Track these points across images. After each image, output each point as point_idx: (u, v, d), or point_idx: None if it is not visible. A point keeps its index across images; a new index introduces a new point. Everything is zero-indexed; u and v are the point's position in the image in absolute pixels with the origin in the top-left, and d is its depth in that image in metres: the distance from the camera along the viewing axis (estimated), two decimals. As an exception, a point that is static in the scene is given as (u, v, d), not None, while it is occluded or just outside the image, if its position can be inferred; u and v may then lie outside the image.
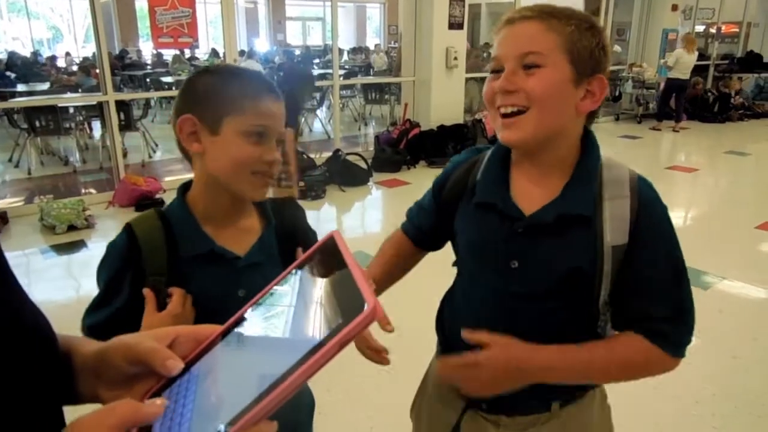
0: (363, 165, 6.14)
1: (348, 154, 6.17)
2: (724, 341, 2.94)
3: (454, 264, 1.13)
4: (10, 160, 7.04)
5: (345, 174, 5.88)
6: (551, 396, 1.02)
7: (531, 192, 0.97)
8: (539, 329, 0.96)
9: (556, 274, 0.94)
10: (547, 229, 0.93)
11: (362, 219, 5.52)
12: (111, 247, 1.02)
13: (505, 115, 0.92)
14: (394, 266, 1.22)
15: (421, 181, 6.14)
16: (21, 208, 5.09)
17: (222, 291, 0.99)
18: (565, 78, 0.89)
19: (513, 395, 0.95)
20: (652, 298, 0.94)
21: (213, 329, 0.56)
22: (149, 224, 1.01)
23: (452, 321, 1.11)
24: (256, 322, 0.52)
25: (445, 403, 1.12)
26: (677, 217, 5.31)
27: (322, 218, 5.25)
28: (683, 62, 8.69)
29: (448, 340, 1.13)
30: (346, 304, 0.44)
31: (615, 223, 0.92)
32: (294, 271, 0.54)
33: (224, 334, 0.54)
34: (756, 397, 2.49)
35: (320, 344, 0.41)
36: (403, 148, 6.69)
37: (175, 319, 0.94)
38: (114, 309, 0.98)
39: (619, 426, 1.15)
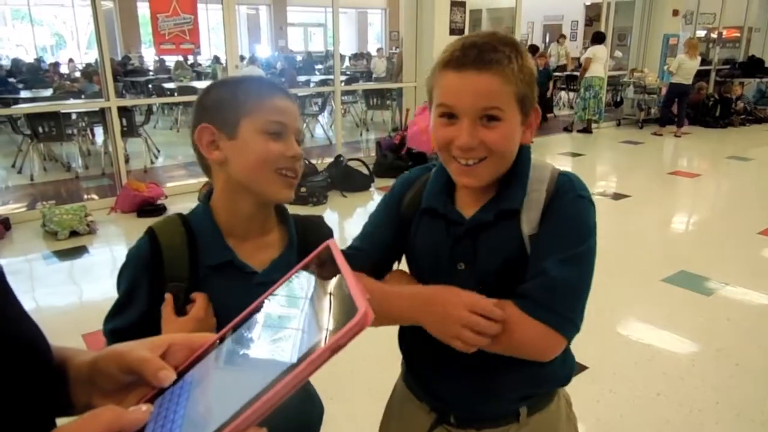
0: (365, 171, 6.14)
1: (350, 159, 6.18)
2: (728, 348, 2.93)
3: None
4: (13, 165, 7.07)
5: (347, 180, 5.88)
6: (515, 398, 1.04)
7: (471, 199, 1.02)
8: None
9: (494, 267, 0.98)
10: (486, 227, 0.98)
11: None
12: (133, 250, 1.01)
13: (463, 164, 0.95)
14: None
15: (422, 186, 6.13)
16: (24, 213, 5.10)
17: (237, 303, 0.98)
18: (517, 123, 0.94)
19: (480, 403, 1.02)
20: (537, 270, 0.92)
21: (207, 337, 0.55)
22: (172, 229, 1.00)
23: (411, 334, 1.10)
24: (250, 330, 0.52)
25: (414, 420, 1.13)
26: (679, 222, 5.32)
27: (323, 224, 5.25)
28: (686, 67, 8.71)
29: (410, 355, 1.15)
30: (339, 310, 0.44)
31: (531, 214, 0.96)
32: (290, 279, 0.54)
33: (220, 341, 0.54)
34: (759, 406, 2.48)
35: (311, 351, 0.42)
36: (404, 154, 6.69)
37: (199, 324, 0.94)
38: (135, 314, 0.98)
39: (622, 434, 1.14)
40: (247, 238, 1.03)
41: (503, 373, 1.00)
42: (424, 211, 1.05)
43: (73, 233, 4.50)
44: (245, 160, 0.98)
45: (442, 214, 1.02)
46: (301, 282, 0.53)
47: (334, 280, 0.48)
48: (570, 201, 0.96)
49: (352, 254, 1.11)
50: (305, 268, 0.54)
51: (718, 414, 2.41)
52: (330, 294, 0.48)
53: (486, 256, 0.99)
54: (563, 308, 0.91)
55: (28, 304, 3.36)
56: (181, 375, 0.53)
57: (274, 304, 0.53)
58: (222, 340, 0.54)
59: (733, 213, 5.46)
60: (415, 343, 1.08)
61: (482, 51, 0.89)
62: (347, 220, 5.41)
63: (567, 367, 1.08)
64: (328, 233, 1.15)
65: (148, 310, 0.96)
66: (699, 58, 9.08)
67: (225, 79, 1.05)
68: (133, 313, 0.98)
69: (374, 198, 5.89)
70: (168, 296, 0.96)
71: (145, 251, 0.99)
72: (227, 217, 1.02)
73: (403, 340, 1.16)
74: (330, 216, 5.38)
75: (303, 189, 5.44)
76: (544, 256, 0.93)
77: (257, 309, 0.54)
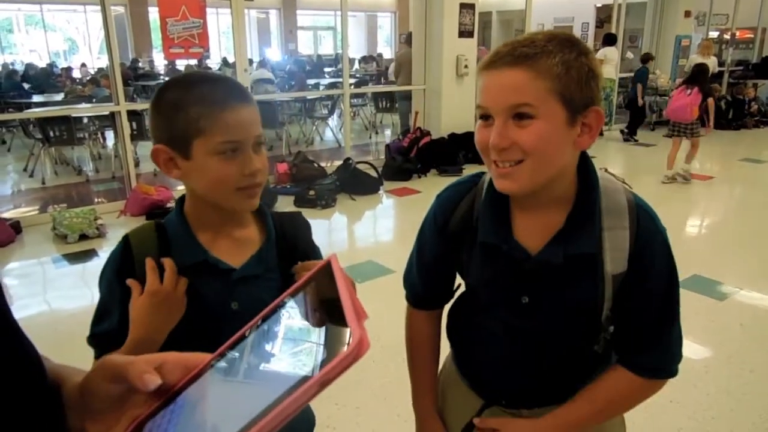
0: (373, 173, 6.13)
1: (358, 162, 6.16)
2: (742, 355, 2.87)
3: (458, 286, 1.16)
4: (25, 169, 7.13)
5: (355, 183, 5.87)
6: (570, 394, 1.06)
7: (533, 228, 0.97)
8: (546, 356, 1.02)
9: (565, 307, 0.98)
10: (555, 266, 0.94)
11: (373, 228, 5.50)
12: (109, 258, 1.02)
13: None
14: (437, 366, 1.22)
15: (431, 189, 6.11)
16: (34, 217, 5.13)
17: (215, 302, 0.98)
18: (559, 123, 0.86)
19: (533, 394, 1.06)
20: (642, 329, 0.98)
21: (202, 358, 0.54)
22: (145, 235, 1.00)
23: (461, 343, 1.15)
24: (246, 352, 0.50)
25: (463, 400, 1.15)
26: (692, 226, 5.24)
27: (332, 227, 5.24)
28: None
29: (462, 353, 1.16)
30: (333, 337, 0.42)
31: (615, 254, 0.93)
32: (289, 297, 0.52)
33: (216, 360, 0.52)
34: (775, 412, 2.42)
35: (297, 385, 0.39)
36: (413, 157, 6.67)
37: (154, 297, 0.92)
38: (115, 319, 0.97)
39: (634, 444, 1.12)
40: (223, 236, 1.02)
41: (570, 380, 1.04)
42: (481, 244, 0.99)
43: (83, 236, 4.52)
44: (202, 181, 0.95)
45: (503, 250, 0.97)
46: (299, 302, 0.50)
47: (331, 301, 0.46)
48: (660, 248, 0.95)
49: (416, 292, 1.17)
50: (306, 285, 0.51)
51: (732, 421, 2.36)
52: (327, 316, 0.45)
53: (557, 294, 0.97)
54: (678, 359, 1.01)
55: (37, 307, 3.38)
56: (174, 396, 0.51)
57: (271, 325, 0.51)
58: (219, 358, 0.52)
59: (746, 216, 5.38)
60: (477, 342, 1.10)
61: (515, 47, 0.84)
62: (356, 223, 5.39)
63: None
64: (305, 225, 1.13)
65: (126, 314, 0.95)
66: (714, 59, 8.96)
67: (177, 81, 0.97)
68: (113, 318, 0.97)
69: (383, 201, 5.88)
70: (131, 281, 0.94)
71: (118, 257, 0.99)
72: (199, 216, 1.01)
73: (453, 327, 1.17)
74: (339, 219, 5.37)
75: (312, 192, 5.43)
76: (645, 308, 0.97)
77: (253, 329, 0.52)
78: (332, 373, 0.38)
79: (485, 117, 0.89)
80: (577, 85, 0.85)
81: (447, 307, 1.21)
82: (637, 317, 0.98)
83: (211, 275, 0.98)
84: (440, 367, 1.27)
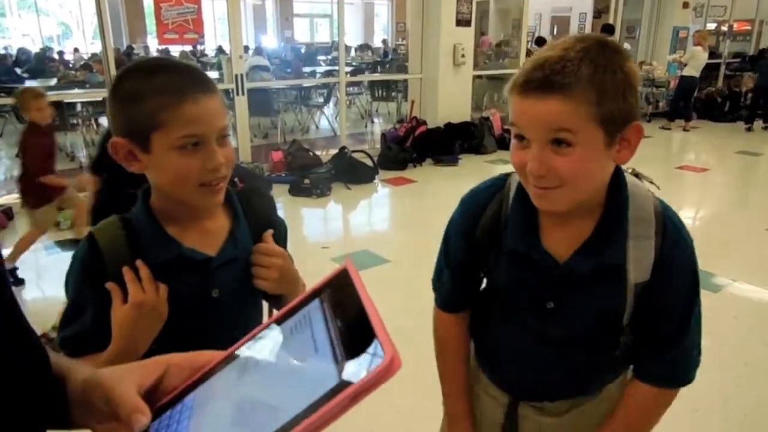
0: (369, 162, 6.10)
1: (354, 151, 6.13)
2: (735, 347, 2.88)
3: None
4: (17, 155, 7.02)
5: (351, 172, 5.84)
6: (592, 388, 1.08)
7: (561, 236, 0.96)
8: (568, 359, 1.03)
9: (589, 315, 0.98)
10: (582, 275, 0.94)
11: (368, 217, 5.48)
12: (74, 257, 0.96)
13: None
14: (468, 369, 1.21)
15: (427, 179, 6.10)
16: (26, 203, 5.08)
17: (194, 293, 0.95)
18: (598, 146, 0.83)
19: (556, 390, 1.07)
20: (660, 336, 0.99)
21: (211, 356, 0.52)
22: (111, 232, 0.95)
23: (484, 343, 1.17)
24: (259, 356, 0.47)
25: (489, 396, 1.17)
26: (687, 218, 5.24)
27: (327, 216, 5.22)
28: (700, 59, 8.56)
29: (486, 356, 1.17)
30: (360, 350, 0.39)
31: (639, 263, 0.93)
32: (303, 302, 0.49)
33: (226, 361, 0.50)
34: (764, 406, 2.43)
35: (327, 396, 0.37)
36: (409, 146, 6.64)
37: (139, 309, 0.89)
38: (88, 320, 0.93)
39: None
40: (193, 224, 0.98)
41: (598, 381, 1.07)
42: (510, 252, 0.99)
43: (76, 223, 4.49)
44: (163, 176, 0.91)
45: (532, 259, 0.96)
46: (316, 308, 0.47)
47: (352, 312, 0.43)
48: (686, 255, 0.96)
49: (444, 296, 1.16)
50: (320, 291, 0.48)
51: (725, 414, 2.37)
52: (349, 328, 0.42)
53: (581, 302, 0.97)
54: (694, 365, 1.02)
55: (30, 294, 3.35)
56: (182, 395, 0.49)
57: (284, 331, 0.48)
58: (230, 359, 0.50)
59: (741, 208, 5.39)
60: (500, 343, 1.10)
61: (549, 73, 0.79)
62: (351, 212, 5.37)
63: None
64: (269, 200, 1.10)
65: (100, 314, 0.91)
66: (708, 50, 8.95)
67: (135, 70, 0.91)
68: (86, 319, 0.93)
69: (378, 190, 5.86)
70: (111, 285, 0.90)
71: (85, 257, 0.94)
72: (167, 208, 0.97)
73: (475, 328, 1.17)
74: (334, 208, 5.35)
75: (306, 180, 5.40)
76: (664, 316, 0.97)
77: (265, 332, 0.50)
78: (363, 388, 0.36)
79: (520, 138, 0.86)
80: (615, 104, 0.81)
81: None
82: (656, 324, 0.98)
83: (186, 267, 0.95)
84: None
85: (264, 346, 0.48)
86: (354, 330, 0.42)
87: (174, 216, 0.97)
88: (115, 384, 0.51)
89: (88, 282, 0.93)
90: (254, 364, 0.47)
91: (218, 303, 0.96)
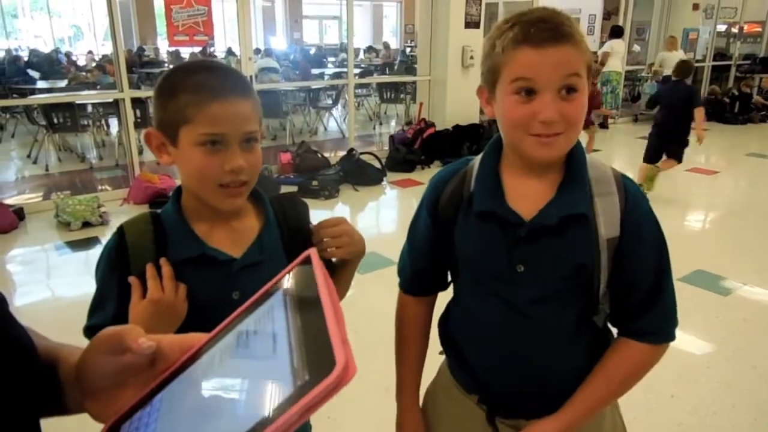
0: (377, 164, 6.11)
1: (362, 153, 6.15)
2: (744, 350, 2.86)
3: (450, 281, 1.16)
4: (28, 156, 7.13)
5: (359, 173, 5.85)
6: (565, 398, 1.05)
7: (526, 194, 0.99)
8: (545, 332, 1.01)
9: (561, 273, 0.98)
10: (550, 230, 0.96)
11: (376, 219, 5.49)
12: (104, 248, 1.00)
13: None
14: (423, 358, 1.21)
15: (435, 181, 6.08)
16: (38, 204, 5.14)
17: (215, 293, 0.96)
18: (587, 94, 0.93)
19: (532, 398, 1.05)
20: (639, 293, 1.00)
21: (198, 338, 0.53)
22: (140, 227, 0.98)
23: (456, 332, 1.13)
24: (222, 357, 0.47)
25: (464, 412, 1.14)
26: (696, 221, 5.22)
27: (335, 218, 5.23)
28: (672, 61, 8.56)
29: (458, 355, 1.13)
30: (315, 356, 0.36)
31: (608, 218, 0.96)
32: (269, 292, 0.48)
33: (195, 357, 0.51)
34: (777, 409, 2.42)
35: (281, 408, 0.35)
36: (417, 148, 6.65)
37: (156, 306, 0.91)
38: (111, 311, 0.96)
39: (634, 440, 1.11)
40: (221, 226, 1.00)
41: (568, 380, 1.04)
42: (476, 214, 1.01)
43: (86, 224, 4.53)
44: (187, 171, 0.94)
45: (498, 216, 0.98)
46: (276, 303, 0.45)
47: (312, 308, 0.40)
48: (648, 211, 1.00)
49: (407, 276, 1.17)
50: (281, 283, 0.47)
51: (733, 417, 2.36)
52: (307, 327, 0.40)
53: (552, 260, 0.98)
54: (675, 322, 1.02)
55: (40, 294, 3.37)
56: (151, 396, 0.50)
57: (243, 328, 0.47)
58: (213, 343, 0.51)
59: (752, 211, 5.35)
60: (474, 338, 1.09)
61: (556, 25, 0.89)
62: (359, 214, 5.38)
63: None
64: (304, 207, 1.12)
65: (121, 307, 0.94)
66: (681, 51, 9.15)
67: (180, 69, 0.97)
68: (108, 310, 0.96)
69: (386, 192, 5.86)
70: (132, 279, 0.93)
71: (112, 249, 0.97)
72: (195, 206, 0.99)
73: (445, 327, 1.16)
74: (342, 210, 5.36)
75: (315, 182, 5.42)
76: (641, 271, 0.99)
77: (228, 328, 0.50)
78: (313, 402, 0.34)
79: (527, 91, 0.90)
80: (589, 55, 0.94)
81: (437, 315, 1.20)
82: (634, 281, 0.99)
83: (210, 267, 0.96)
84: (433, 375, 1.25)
85: (228, 344, 0.47)
86: (311, 332, 0.39)
87: (202, 214, 0.99)
88: (116, 328, 0.54)
89: (113, 274, 0.96)
90: (217, 364, 0.47)
91: (238, 305, 0.98)
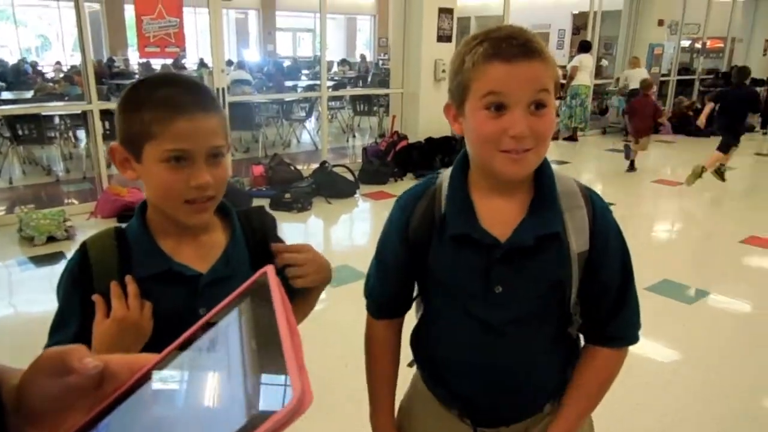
0: (350, 177, 6.11)
1: (335, 165, 6.14)
2: (709, 358, 2.93)
3: (417, 297, 1.16)
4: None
5: (332, 186, 5.84)
6: (543, 402, 1.08)
7: (497, 215, 0.99)
8: (522, 348, 1.02)
9: (539, 291, 1.00)
10: (525, 250, 0.96)
11: (349, 232, 5.48)
12: (67, 265, 0.97)
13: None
14: (395, 378, 1.20)
15: (408, 193, 6.11)
16: (0, 218, 5.00)
17: (181, 310, 0.94)
18: (554, 108, 0.94)
19: (511, 406, 1.07)
20: (607, 302, 1.03)
21: (147, 359, 0.51)
22: (103, 243, 0.96)
23: (433, 351, 1.13)
24: (172, 380, 0.45)
25: (441, 424, 1.13)
26: (662, 231, 5.33)
27: (308, 231, 5.21)
28: (638, 78, 8.88)
29: (434, 372, 1.14)
30: (270, 382, 0.35)
31: (578, 233, 0.98)
32: (219, 315, 0.46)
33: (144, 379, 0.48)
34: (741, 417, 2.47)
35: None
36: (390, 161, 6.67)
37: (120, 325, 0.89)
38: (72, 329, 0.93)
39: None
40: (187, 241, 0.98)
41: (547, 388, 1.08)
42: (452, 237, 0.99)
43: (51, 239, 4.41)
44: (152, 186, 0.93)
45: (474, 239, 0.97)
46: (232, 322, 0.44)
47: (268, 330, 0.38)
48: (613, 222, 1.03)
49: (377, 300, 1.16)
50: (240, 299, 0.45)
51: (699, 425, 2.40)
52: (262, 351, 0.38)
53: (528, 279, 0.99)
54: (639, 325, 1.06)
55: (1, 311, 3.25)
56: (97, 420, 0.48)
57: (196, 349, 0.45)
58: (163, 364, 0.49)
59: (715, 221, 5.50)
60: (449, 354, 1.08)
61: (526, 41, 0.90)
62: (332, 226, 5.37)
63: None
64: (271, 220, 1.10)
65: (84, 325, 0.91)
66: (643, 68, 9.68)
67: (144, 82, 0.95)
68: (70, 329, 0.93)
69: (359, 205, 5.86)
70: (96, 297, 0.91)
71: (75, 265, 0.95)
72: (160, 221, 0.98)
73: (420, 346, 1.15)
74: (315, 222, 5.34)
75: (287, 195, 5.39)
76: (609, 281, 1.02)
77: (181, 348, 0.48)
78: (272, 430, 0.33)
79: (497, 107, 0.90)
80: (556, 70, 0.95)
81: (410, 328, 1.20)
82: (602, 291, 1.02)
83: (176, 283, 0.95)
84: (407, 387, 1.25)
85: (180, 365, 0.45)
86: (266, 357, 0.37)
87: (168, 229, 0.97)
88: (59, 348, 0.51)
89: (75, 291, 0.94)
90: (167, 388, 0.45)
91: None
